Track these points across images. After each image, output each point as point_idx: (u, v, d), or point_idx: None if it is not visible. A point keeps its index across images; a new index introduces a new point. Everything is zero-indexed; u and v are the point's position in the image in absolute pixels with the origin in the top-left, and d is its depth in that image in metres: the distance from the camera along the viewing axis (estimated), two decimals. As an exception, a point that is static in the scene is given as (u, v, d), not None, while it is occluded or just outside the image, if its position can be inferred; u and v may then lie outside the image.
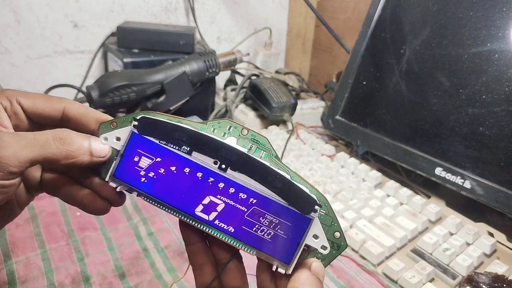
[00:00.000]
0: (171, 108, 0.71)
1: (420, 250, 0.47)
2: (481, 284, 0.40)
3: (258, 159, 0.26)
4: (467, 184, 0.52)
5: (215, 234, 0.26)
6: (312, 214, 0.25)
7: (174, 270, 0.44)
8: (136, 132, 0.26)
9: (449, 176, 0.53)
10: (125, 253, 0.46)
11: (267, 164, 0.25)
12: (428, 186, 0.60)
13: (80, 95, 0.78)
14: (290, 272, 0.25)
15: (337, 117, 0.68)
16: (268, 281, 0.28)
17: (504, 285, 0.40)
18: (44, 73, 0.81)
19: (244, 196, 0.25)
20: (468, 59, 0.53)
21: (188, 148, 0.26)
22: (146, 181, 0.26)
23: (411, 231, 0.50)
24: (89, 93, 0.63)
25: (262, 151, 0.26)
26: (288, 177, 0.25)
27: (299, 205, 0.25)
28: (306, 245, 0.25)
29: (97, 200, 0.28)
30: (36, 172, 0.29)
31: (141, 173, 0.26)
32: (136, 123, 0.26)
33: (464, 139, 0.53)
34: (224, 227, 0.26)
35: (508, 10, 0.51)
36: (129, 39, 0.75)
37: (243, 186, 0.25)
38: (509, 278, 0.41)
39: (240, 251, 0.27)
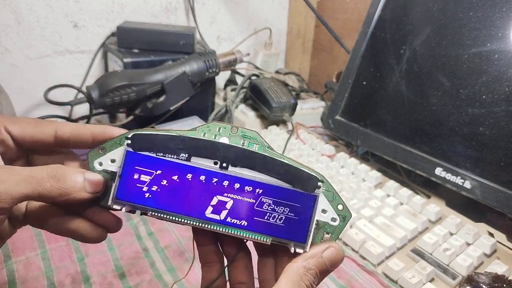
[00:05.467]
0: (171, 108, 0.71)
1: (420, 250, 0.47)
2: (481, 284, 0.40)
3: (255, 150, 0.27)
4: (467, 184, 0.52)
5: (229, 232, 0.26)
6: (317, 190, 0.26)
7: (174, 270, 0.44)
8: (131, 150, 0.26)
9: (449, 176, 0.53)
10: (125, 253, 0.46)
11: (264, 153, 0.27)
12: (428, 186, 0.60)
13: (80, 95, 0.78)
14: (308, 250, 0.26)
15: (337, 117, 0.68)
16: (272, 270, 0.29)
17: (504, 285, 0.40)
18: (44, 73, 0.81)
19: (249, 188, 0.26)
20: (468, 59, 0.53)
21: (186, 154, 0.26)
22: (150, 196, 0.26)
23: (411, 231, 0.49)
24: (89, 93, 0.63)
25: (255, 145, 0.27)
26: (286, 161, 0.26)
27: (303, 185, 0.26)
28: (316, 221, 0.26)
29: (94, 228, 0.27)
30: (21, 204, 0.28)
31: (143, 189, 0.26)
32: (129, 141, 0.26)
33: (464, 139, 0.53)
34: (237, 223, 0.26)
35: (508, 10, 0.51)
36: (129, 39, 0.75)
37: (246, 180, 0.26)
38: (509, 278, 0.41)
39: (256, 241, 0.27)
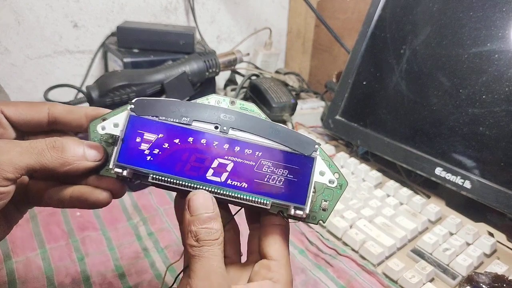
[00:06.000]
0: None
1: (420, 250, 0.47)
2: (481, 284, 0.40)
3: (255, 115, 0.28)
4: (467, 184, 0.52)
5: (230, 194, 0.26)
6: (314, 153, 0.27)
7: (174, 270, 0.44)
8: (134, 114, 0.27)
9: (449, 176, 0.53)
10: (125, 253, 0.46)
11: (264, 118, 0.28)
12: (428, 186, 0.60)
13: (80, 95, 0.78)
14: (307, 211, 0.27)
15: (337, 117, 0.68)
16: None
17: (504, 285, 0.40)
18: (44, 73, 0.81)
19: (249, 151, 0.27)
20: (468, 59, 0.53)
21: (188, 118, 0.27)
22: (152, 159, 0.26)
23: (411, 231, 0.49)
24: (89, 93, 0.63)
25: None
26: (285, 126, 0.27)
27: (301, 148, 0.27)
28: (314, 185, 0.27)
29: (98, 191, 0.27)
30: (23, 183, 0.28)
31: (145, 152, 0.27)
32: (132, 106, 0.27)
33: (464, 139, 0.53)
34: (237, 185, 0.27)
35: (508, 10, 0.51)
36: (129, 39, 0.75)
37: (246, 143, 0.27)
38: (509, 278, 0.41)
39: (256, 205, 0.27)
